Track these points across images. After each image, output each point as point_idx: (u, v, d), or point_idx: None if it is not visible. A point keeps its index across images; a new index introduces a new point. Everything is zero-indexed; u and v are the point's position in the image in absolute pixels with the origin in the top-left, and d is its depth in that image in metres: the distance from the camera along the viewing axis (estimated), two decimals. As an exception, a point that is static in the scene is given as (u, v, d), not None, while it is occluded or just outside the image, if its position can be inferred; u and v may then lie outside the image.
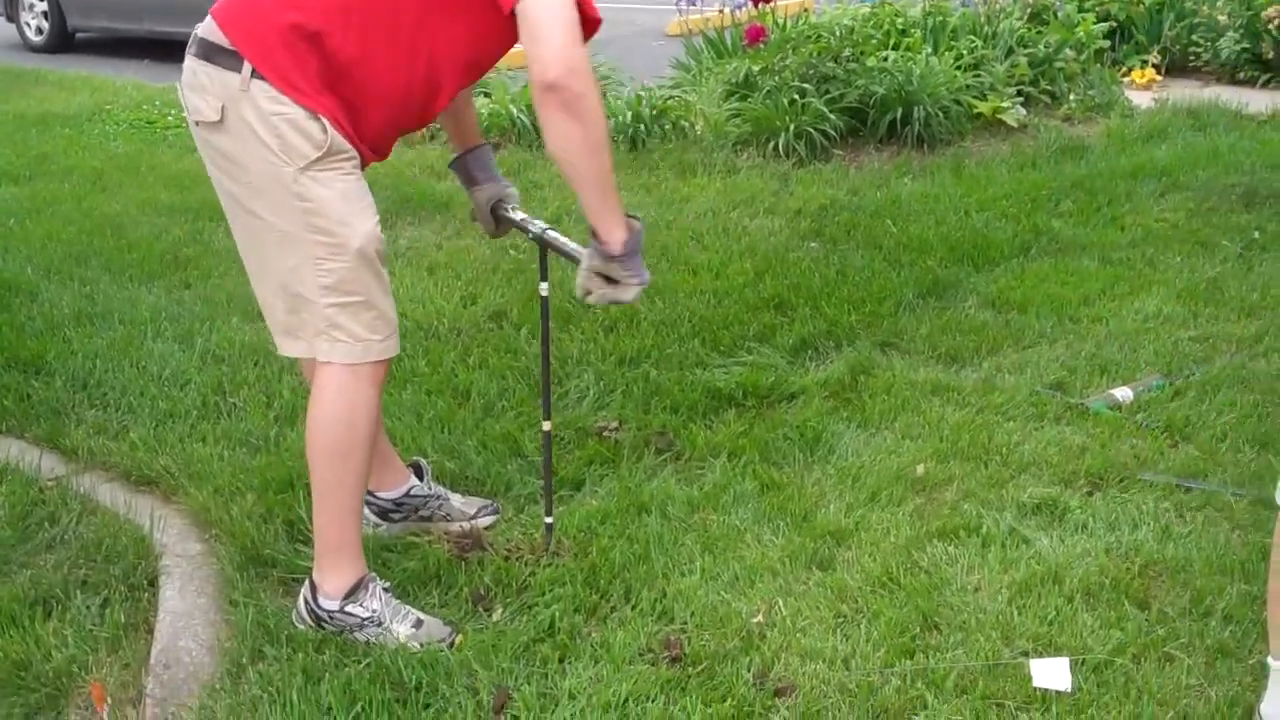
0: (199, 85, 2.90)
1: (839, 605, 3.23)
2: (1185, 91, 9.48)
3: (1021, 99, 8.72)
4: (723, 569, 3.39)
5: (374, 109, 2.94)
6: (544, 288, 3.32)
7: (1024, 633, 3.08)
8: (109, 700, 2.93)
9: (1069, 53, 9.15)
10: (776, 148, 7.91)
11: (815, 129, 7.91)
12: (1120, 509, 3.65)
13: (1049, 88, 9.00)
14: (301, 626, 3.15)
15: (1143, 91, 9.71)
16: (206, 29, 2.89)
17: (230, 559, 3.42)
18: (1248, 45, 9.88)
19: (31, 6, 14.86)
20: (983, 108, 8.35)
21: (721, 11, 10.07)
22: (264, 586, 3.34)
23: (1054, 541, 3.48)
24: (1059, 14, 9.68)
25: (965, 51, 8.83)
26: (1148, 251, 5.92)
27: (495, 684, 2.94)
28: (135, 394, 4.48)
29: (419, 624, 3.11)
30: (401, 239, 6.42)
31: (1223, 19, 10.10)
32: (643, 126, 8.28)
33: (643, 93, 8.67)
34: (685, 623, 3.17)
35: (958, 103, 8.27)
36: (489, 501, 3.73)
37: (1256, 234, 6.14)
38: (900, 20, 9.26)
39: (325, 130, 2.84)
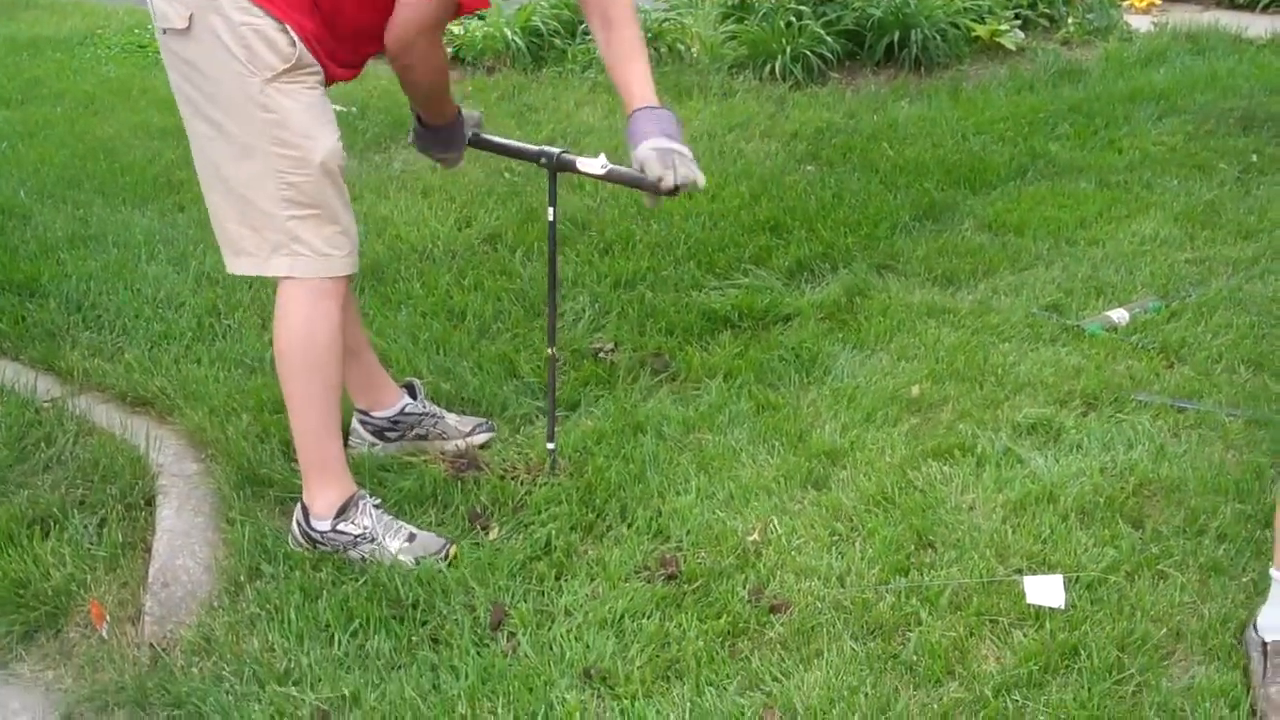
0: None
1: (834, 524, 3.24)
2: (1184, 15, 9.42)
3: (1020, 22, 8.67)
4: (718, 488, 3.40)
5: (346, 17, 2.93)
6: (551, 212, 3.32)
7: (1018, 551, 3.09)
8: (108, 618, 2.95)
9: (1068, -25, 9.09)
10: (773, 71, 7.86)
11: (812, 52, 7.86)
12: (1115, 429, 3.66)
13: (1047, 11, 8.94)
14: (297, 549, 3.16)
15: (1142, 15, 9.65)
16: None
17: (227, 478, 3.43)
18: (1248, -32, 9.82)
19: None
20: (981, 31, 8.30)
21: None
22: (260, 505, 3.34)
23: (1049, 461, 3.49)
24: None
25: (963, -26, 8.77)
26: (1145, 175, 5.90)
27: (492, 601, 2.95)
28: (130, 316, 4.47)
29: (412, 538, 3.12)
30: (395, 162, 6.40)
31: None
32: (638, 49, 8.21)
33: (639, 15, 8.59)
34: (681, 541, 3.18)
35: (955, 26, 8.22)
36: (484, 420, 3.73)
37: (1254, 157, 6.12)
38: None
39: (294, 43, 2.83)
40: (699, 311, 4.47)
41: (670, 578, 3.03)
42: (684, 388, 4.00)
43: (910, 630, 2.84)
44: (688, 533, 3.20)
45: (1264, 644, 2.68)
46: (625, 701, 2.64)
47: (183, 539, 3.18)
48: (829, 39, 7.92)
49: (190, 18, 2.83)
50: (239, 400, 3.82)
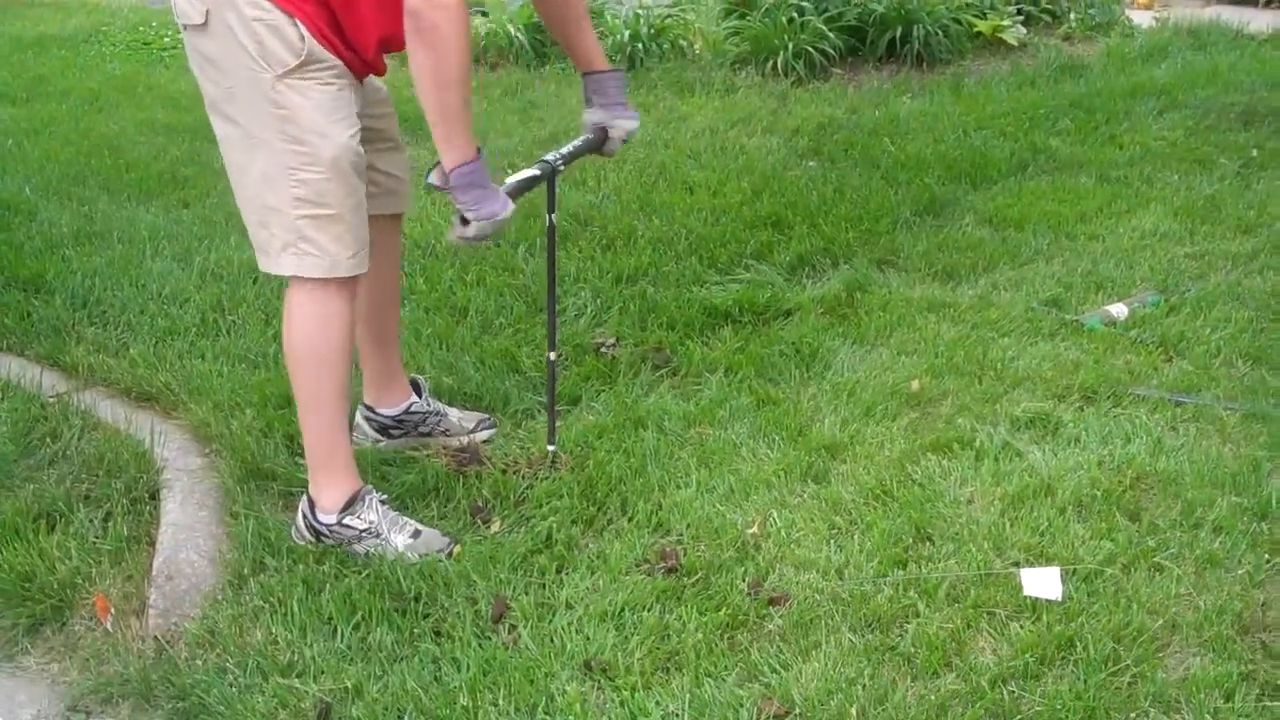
0: None
1: (833, 517, 3.26)
2: (1186, 11, 9.43)
3: (1022, 18, 8.68)
4: (718, 482, 3.42)
5: (360, 12, 2.94)
6: (550, 219, 3.35)
7: (1015, 543, 3.11)
8: (112, 611, 2.97)
9: (1070, -29, 9.10)
10: (775, 66, 7.88)
11: (814, 48, 7.88)
12: (1113, 423, 3.68)
13: (1049, 7, 8.95)
14: (301, 542, 3.18)
15: (1143, 11, 9.67)
16: None
17: (230, 472, 3.46)
18: (1250, -36, 9.82)
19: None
20: (983, 26, 8.31)
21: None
22: (264, 499, 3.37)
23: (1047, 455, 3.50)
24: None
25: (966, -31, 8.78)
26: (1145, 169, 5.92)
27: (493, 594, 2.97)
28: (135, 312, 4.50)
29: (416, 534, 3.15)
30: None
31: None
32: (640, 46, 8.25)
33: (641, 11, 8.62)
34: (681, 534, 3.20)
35: (957, 21, 8.23)
36: (486, 415, 3.75)
37: (1254, 152, 6.14)
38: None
39: (303, 38, 2.85)
40: (700, 306, 4.49)
41: (670, 571, 3.05)
42: (685, 382, 4.03)
43: (908, 622, 2.86)
44: (688, 526, 3.22)
45: None
46: (625, 693, 2.66)
47: (187, 533, 3.20)
48: (831, 35, 7.93)
49: (207, 13, 2.86)
50: (243, 395, 3.84)
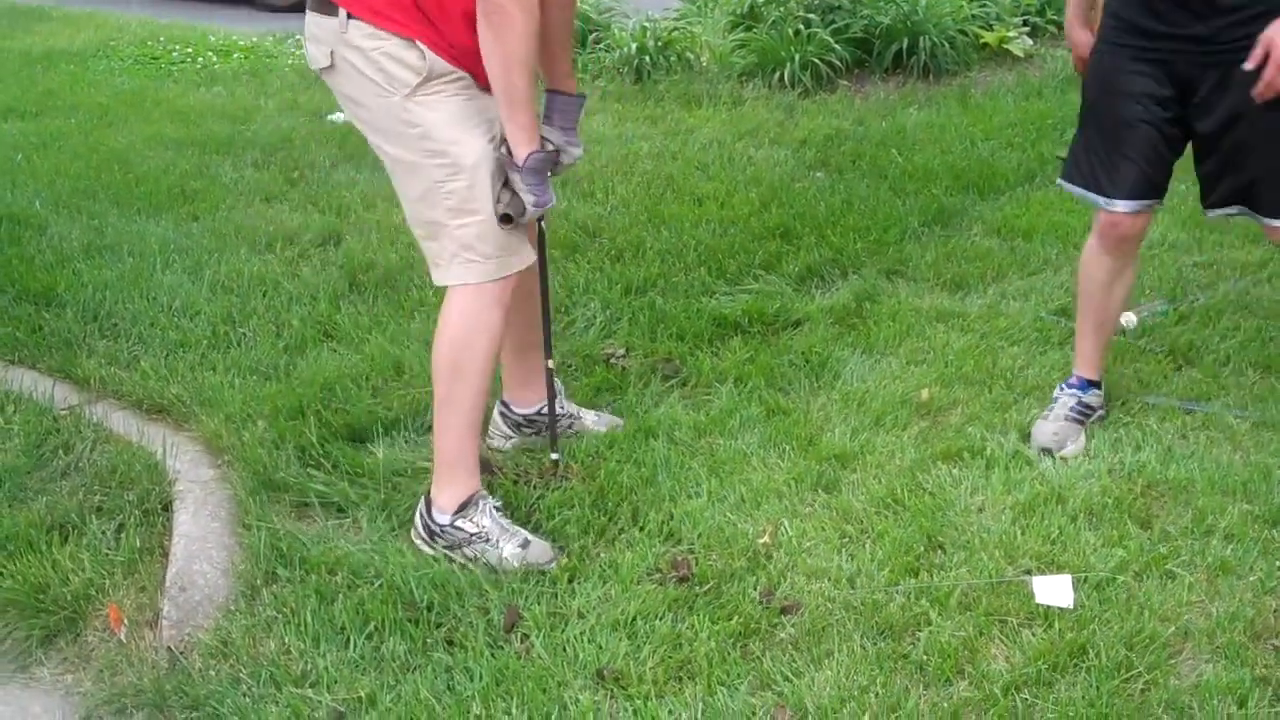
0: (312, 35, 3.07)
1: (844, 526, 3.26)
2: (1193, 20, 9.42)
3: (1028, 29, 8.70)
4: (729, 492, 3.43)
5: (457, 27, 2.99)
6: (540, 225, 3.39)
7: (1027, 552, 3.12)
8: (126, 622, 2.98)
9: (1076, -19, 9.10)
10: (782, 78, 7.90)
11: (821, 59, 7.90)
12: (1123, 431, 3.68)
13: (1055, 17, 8.96)
14: (418, 542, 3.22)
15: (1150, 20, 9.65)
16: None
17: (243, 484, 3.46)
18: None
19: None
20: (989, 38, 8.33)
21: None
22: (276, 510, 3.37)
23: (1057, 463, 3.51)
24: (1066, -58, 9.61)
25: (971, -19, 8.80)
26: (1153, 179, 5.91)
27: (506, 603, 2.98)
28: (145, 324, 4.51)
29: (525, 544, 3.16)
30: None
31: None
32: (648, 58, 8.26)
33: (648, 24, 8.64)
34: (692, 544, 3.21)
35: (963, 33, 8.25)
36: (620, 420, 3.82)
37: (1262, 161, 6.12)
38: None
39: (423, 56, 2.95)
40: (709, 317, 4.49)
41: (682, 580, 3.05)
42: (695, 393, 4.03)
43: (920, 630, 2.86)
44: (699, 535, 3.23)
45: None
46: (638, 702, 2.67)
47: (199, 544, 3.21)
48: (838, 47, 7.95)
49: (331, 54, 3.01)
50: (254, 406, 3.85)
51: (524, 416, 3.71)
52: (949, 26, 8.17)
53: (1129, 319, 4.35)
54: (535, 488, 3.46)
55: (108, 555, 3.20)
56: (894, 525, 3.24)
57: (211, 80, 9.07)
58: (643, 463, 3.55)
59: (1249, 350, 4.14)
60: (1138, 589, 2.97)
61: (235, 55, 9.95)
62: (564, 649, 2.83)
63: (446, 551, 3.17)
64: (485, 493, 3.25)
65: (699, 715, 2.63)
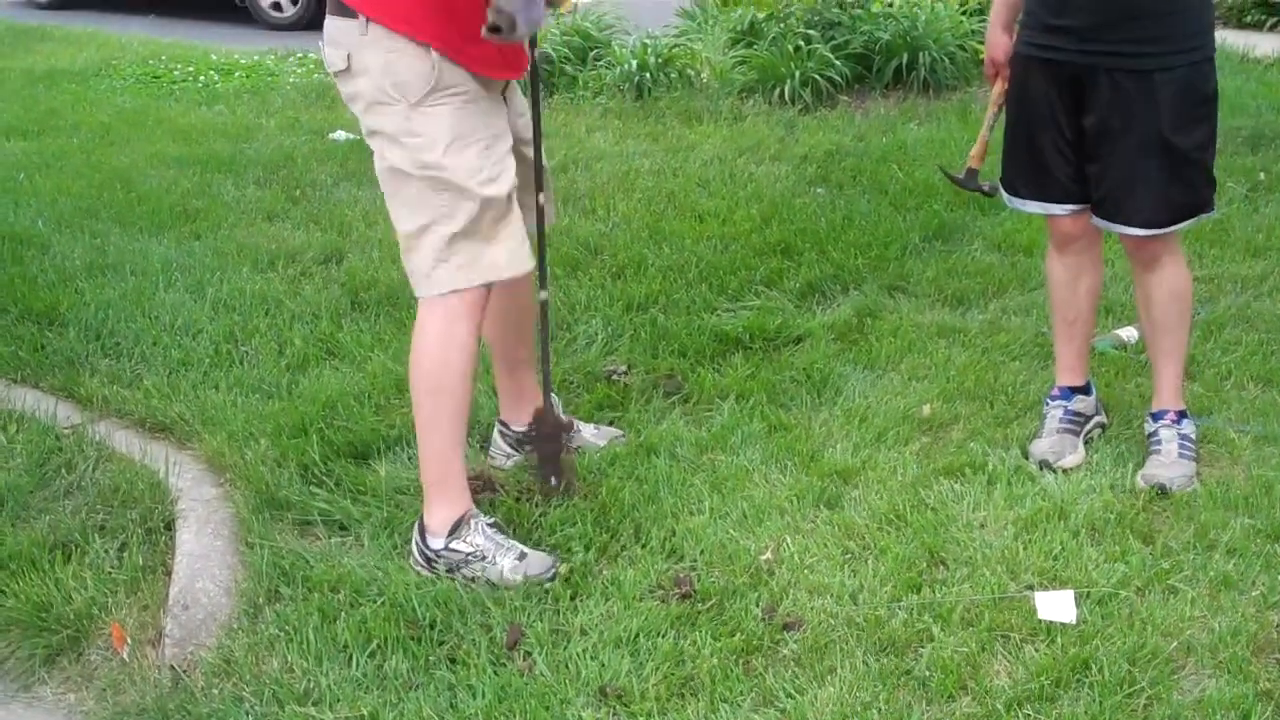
0: (331, 38, 3.09)
1: (846, 542, 3.26)
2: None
3: (1027, 44, 8.69)
4: (731, 508, 3.43)
5: (478, 14, 2.96)
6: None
7: (1029, 567, 3.12)
8: (129, 641, 2.98)
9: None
10: (782, 94, 7.91)
11: (821, 75, 7.91)
12: (1125, 446, 3.68)
13: (1055, 32, 8.96)
14: (418, 569, 3.21)
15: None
16: None
17: (245, 502, 3.47)
18: (1256, -12, 9.85)
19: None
20: (989, 53, 8.32)
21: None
22: (279, 529, 3.38)
23: (1059, 478, 3.51)
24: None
25: (971, -4, 8.81)
26: (1153, 194, 5.91)
27: (508, 621, 2.98)
28: (148, 343, 4.52)
29: (522, 556, 3.17)
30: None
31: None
32: (648, 75, 8.28)
33: (648, 41, 8.66)
34: (695, 560, 3.21)
35: (963, 48, 8.26)
36: (620, 432, 3.83)
37: (1262, 176, 6.14)
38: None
39: (434, 66, 2.97)
40: (711, 333, 4.50)
41: (684, 597, 3.05)
42: (696, 409, 4.03)
43: (923, 646, 2.86)
44: (701, 552, 3.23)
45: None
46: (641, 719, 2.67)
47: (202, 562, 3.22)
48: (838, 63, 7.97)
49: (348, 57, 3.03)
50: (257, 425, 3.86)
51: (522, 433, 3.69)
52: (949, 42, 8.18)
53: (1130, 334, 4.36)
54: (537, 505, 3.46)
55: (110, 574, 3.20)
56: (896, 541, 3.24)
57: (213, 99, 9.08)
58: (645, 479, 3.55)
59: (1250, 364, 4.15)
60: (1140, 604, 2.98)
61: (237, 74, 9.97)
62: (566, 666, 2.83)
63: (448, 575, 3.17)
64: (477, 511, 3.25)
65: (702, 732, 2.63)
